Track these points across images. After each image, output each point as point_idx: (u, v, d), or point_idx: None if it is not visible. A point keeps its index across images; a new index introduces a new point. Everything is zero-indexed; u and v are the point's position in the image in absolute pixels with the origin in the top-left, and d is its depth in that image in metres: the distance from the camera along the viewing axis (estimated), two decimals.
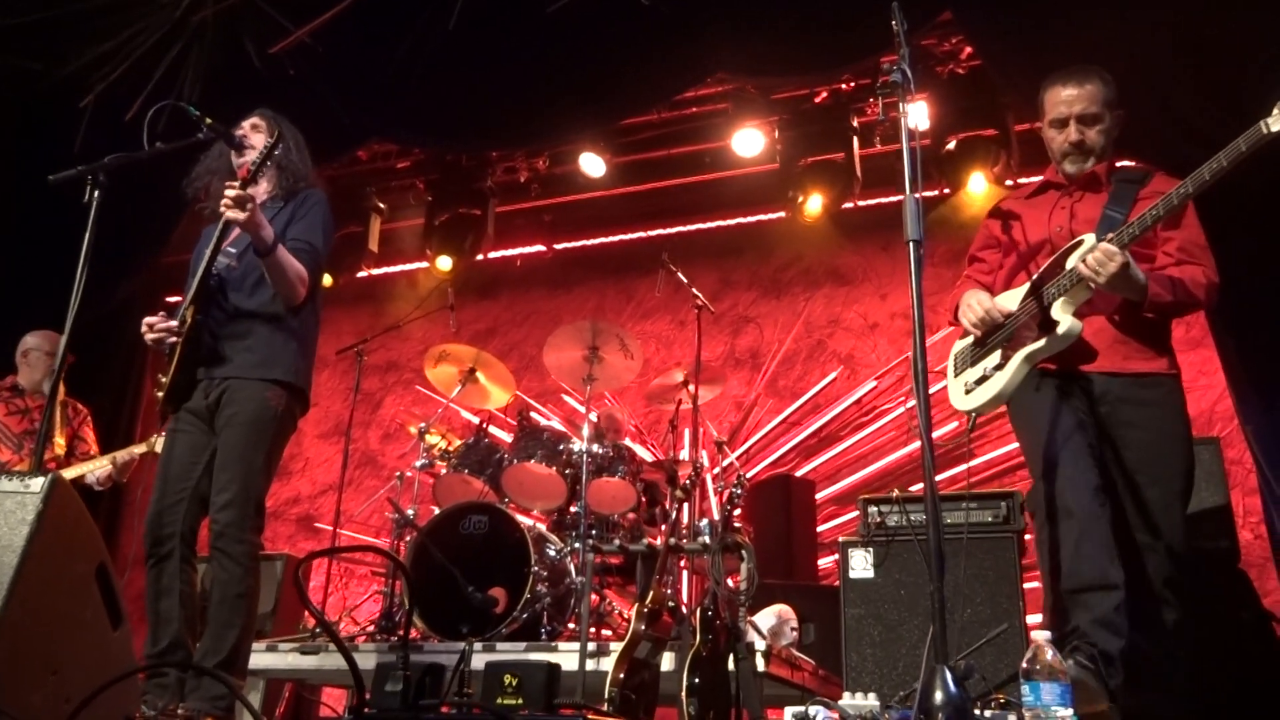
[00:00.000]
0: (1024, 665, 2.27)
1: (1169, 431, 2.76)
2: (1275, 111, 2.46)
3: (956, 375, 3.09)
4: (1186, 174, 2.60)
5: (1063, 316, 2.75)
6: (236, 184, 3.16)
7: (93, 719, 2.17)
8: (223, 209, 3.11)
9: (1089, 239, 2.74)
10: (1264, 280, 4.52)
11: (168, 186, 3.80)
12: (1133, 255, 2.70)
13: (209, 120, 3.39)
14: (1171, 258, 2.88)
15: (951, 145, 6.01)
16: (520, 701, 2.26)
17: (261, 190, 3.52)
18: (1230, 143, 2.53)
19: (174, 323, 3.33)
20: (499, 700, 2.27)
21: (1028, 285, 2.92)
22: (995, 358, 2.90)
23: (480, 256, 7.42)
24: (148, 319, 3.36)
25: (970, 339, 3.08)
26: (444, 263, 7.26)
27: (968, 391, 3.00)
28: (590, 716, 2.25)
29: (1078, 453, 2.71)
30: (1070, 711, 2.20)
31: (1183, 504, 2.70)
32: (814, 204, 6.36)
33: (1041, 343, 2.77)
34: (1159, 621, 2.65)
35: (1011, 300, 2.96)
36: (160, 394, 3.32)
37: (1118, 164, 3.08)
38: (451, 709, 2.16)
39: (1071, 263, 2.76)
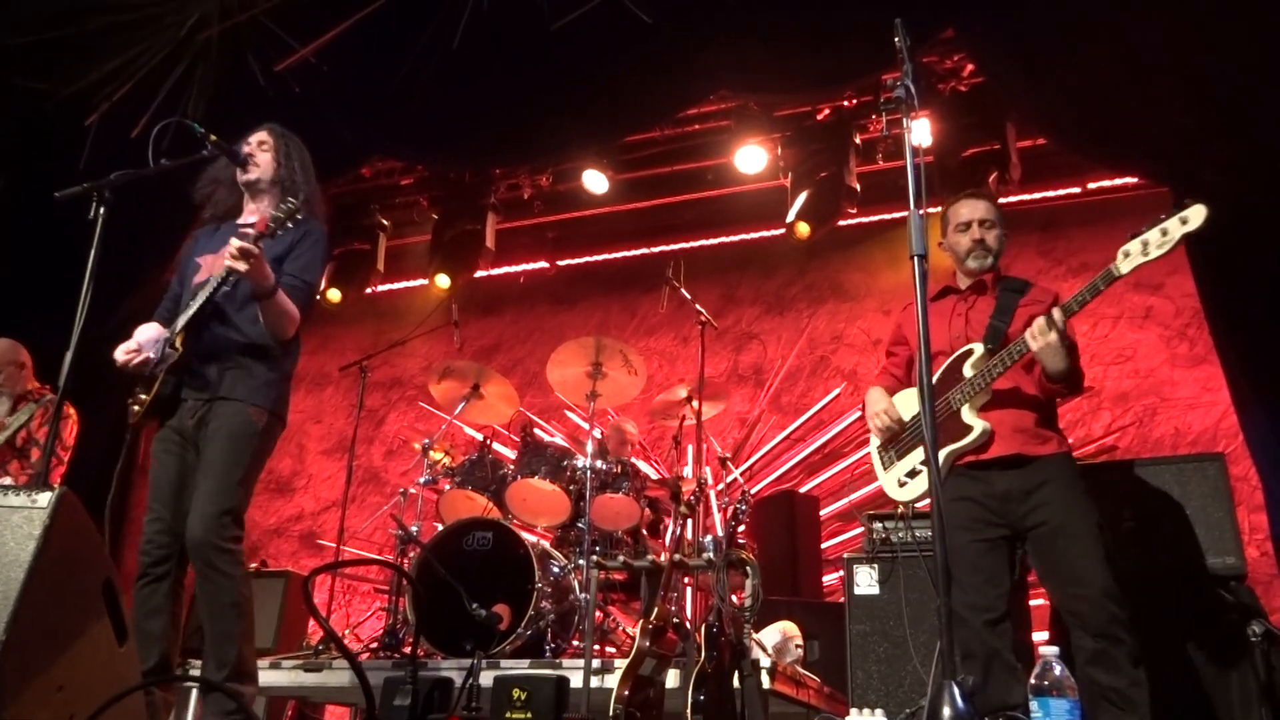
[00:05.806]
0: (1032, 681, 2.27)
1: (1070, 497, 3.02)
2: (1120, 256, 2.87)
3: (886, 470, 3.40)
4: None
5: (974, 421, 3.10)
6: (250, 232, 3.14)
7: None
8: (228, 259, 3.09)
9: (978, 348, 3.16)
10: (1271, 297, 4.52)
11: (172, 204, 3.80)
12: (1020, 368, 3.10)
13: (213, 137, 3.39)
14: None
15: (953, 162, 6.01)
16: (529, 716, 2.24)
17: (261, 208, 3.51)
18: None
19: (152, 355, 3.29)
20: (507, 715, 2.25)
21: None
22: (919, 453, 3.22)
23: (478, 274, 7.43)
24: (120, 355, 3.30)
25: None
26: (442, 280, 7.26)
27: (901, 485, 3.30)
28: None
29: (973, 572, 3.01)
30: None
31: (1102, 552, 2.94)
32: (804, 227, 6.33)
33: (960, 443, 3.11)
34: (1114, 656, 2.85)
35: (915, 398, 3.27)
36: (137, 409, 3.29)
37: (1009, 277, 3.44)
38: None
39: (969, 372, 3.14)
